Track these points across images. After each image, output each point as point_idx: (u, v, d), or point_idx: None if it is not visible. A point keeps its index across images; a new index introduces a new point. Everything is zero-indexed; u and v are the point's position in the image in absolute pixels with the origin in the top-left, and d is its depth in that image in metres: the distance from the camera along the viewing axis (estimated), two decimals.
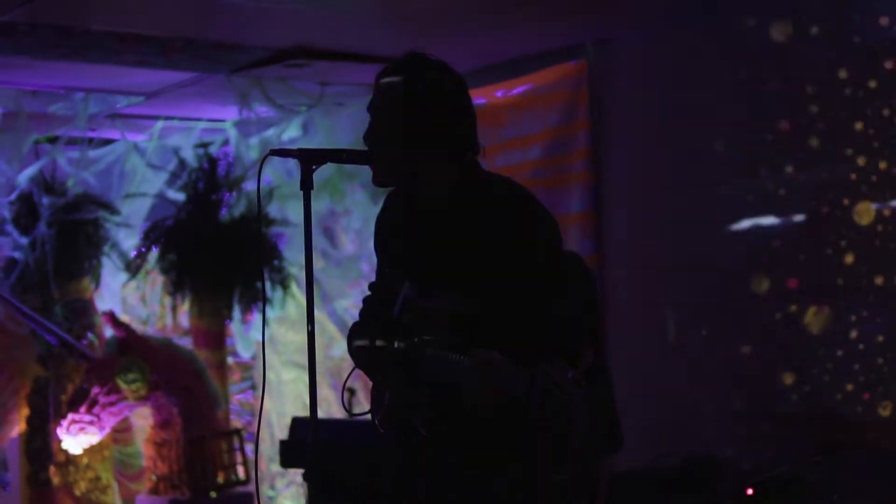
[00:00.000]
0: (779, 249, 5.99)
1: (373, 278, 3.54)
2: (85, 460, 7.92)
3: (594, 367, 4.69)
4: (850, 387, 5.56)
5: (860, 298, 5.59)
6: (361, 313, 3.47)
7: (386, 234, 3.40)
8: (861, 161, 5.59)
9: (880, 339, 5.49)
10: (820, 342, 5.71)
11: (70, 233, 8.12)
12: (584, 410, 2.82)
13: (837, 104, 5.69)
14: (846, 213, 5.63)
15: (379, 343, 3.23)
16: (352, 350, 3.37)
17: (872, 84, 5.56)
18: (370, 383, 3.38)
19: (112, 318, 7.74)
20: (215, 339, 8.52)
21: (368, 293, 3.51)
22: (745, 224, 6.10)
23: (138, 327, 8.73)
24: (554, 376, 2.81)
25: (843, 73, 5.67)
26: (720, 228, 6.21)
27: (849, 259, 5.63)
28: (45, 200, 8.07)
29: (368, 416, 3.39)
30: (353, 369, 3.42)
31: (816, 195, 5.80)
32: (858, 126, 5.60)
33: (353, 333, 3.38)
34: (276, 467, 8.30)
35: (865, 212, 5.57)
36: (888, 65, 5.50)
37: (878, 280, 5.53)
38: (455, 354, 3.00)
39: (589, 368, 4.43)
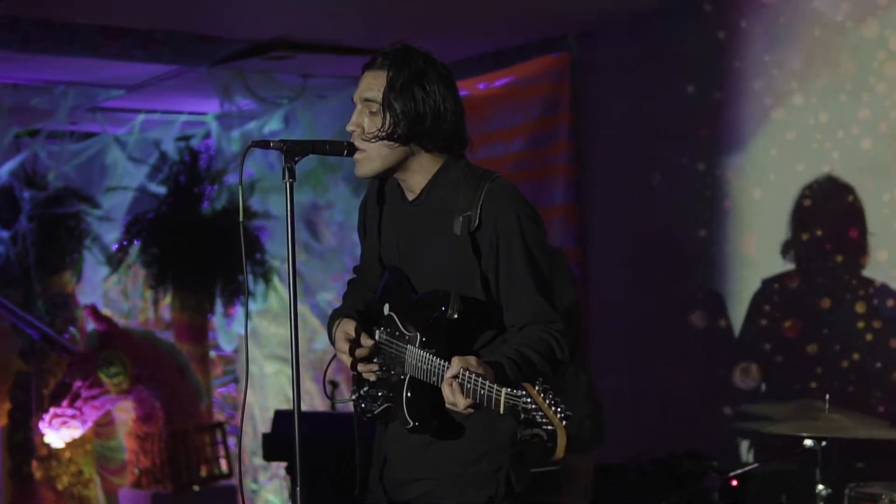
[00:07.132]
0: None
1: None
2: (67, 454, 7.90)
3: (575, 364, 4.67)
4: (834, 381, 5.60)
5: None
6: (344, 296, 3.46)
7: (370, 220, 3.38)
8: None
9: (864, 336, 5.53)
10: (802, 338, 5.74)
11: (51, 227, 8.10)
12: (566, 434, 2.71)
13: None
14: (826, 202, 5.67)
15: (360, 331, 3.21)
16: (332, 335, 3.35)
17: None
18: (350, 373, 3.36)
19: (94, 311, 7.73)
20: (197, 332, 8.51)
21: (353, 276, 3.51)
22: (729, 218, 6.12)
23: (120, 321, 8.74)
24: (535, 402, 2.72)
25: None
26: (703, 221, 6.22)
27: (838, 259, 5.64)
28: (26, 194, 8.05)
29: (350, 407, 3.37)
30: (333, 356, 3.40)
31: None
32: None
33: (334, 318, 3.36)
34: (258, 461, 8.29)
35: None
36: None
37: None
38: (436, 358, 2.98)
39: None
